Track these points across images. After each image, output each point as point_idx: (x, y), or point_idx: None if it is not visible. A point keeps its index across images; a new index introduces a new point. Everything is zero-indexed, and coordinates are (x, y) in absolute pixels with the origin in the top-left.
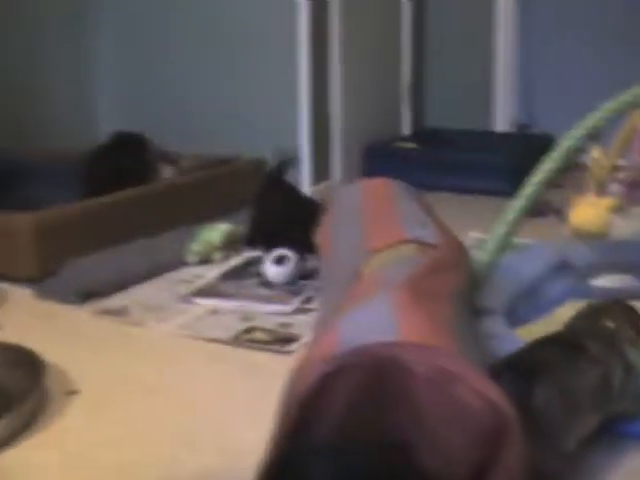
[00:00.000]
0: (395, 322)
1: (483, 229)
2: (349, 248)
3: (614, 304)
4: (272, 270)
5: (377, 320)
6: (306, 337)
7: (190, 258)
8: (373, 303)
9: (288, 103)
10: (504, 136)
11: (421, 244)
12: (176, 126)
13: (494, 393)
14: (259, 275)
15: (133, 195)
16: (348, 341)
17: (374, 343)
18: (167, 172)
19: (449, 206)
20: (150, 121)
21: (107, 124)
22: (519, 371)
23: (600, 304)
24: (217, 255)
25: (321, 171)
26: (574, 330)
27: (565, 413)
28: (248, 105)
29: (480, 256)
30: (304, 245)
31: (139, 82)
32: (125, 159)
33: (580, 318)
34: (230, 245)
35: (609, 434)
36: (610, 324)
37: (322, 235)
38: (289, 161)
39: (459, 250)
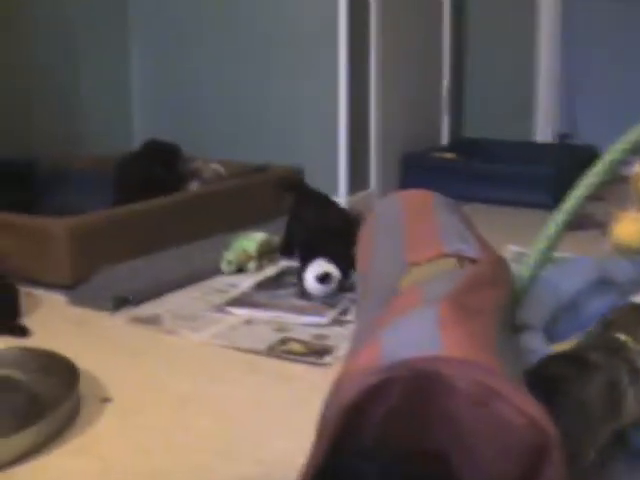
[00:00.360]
0: (437, 337)
1: (523, 243)
2: (387, 261)
3: (633, 310)
4: (314, 287)
5: (419, 335)
6: (342, 349)
7: (224, 267)
8: (414, 317)
9: (326, 111)
10: (545, 147)
11: (461, 258)
12: (209, 133)
13: (535, 409)
14: (295, 285)
15: (167, 202)
16: (389, 355)
17: (417, 357)
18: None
19: (488, 219)
20: (184, 128)
21: (142, 132)
22: (536, 387)
23: (615, 315)
24: (252, 264)
25: (358, 180)
26: (580, 345)
27: (582, 426)
28: (285, 113)
29: (520, 270)
30: (343, 257)
31: (175, 91)
32: (157, 168)
33: (592, 333)
34: (265, 254)
35: (627, 448)
36: (620, 335)
37: (360, 247)
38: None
39: (499, 264)
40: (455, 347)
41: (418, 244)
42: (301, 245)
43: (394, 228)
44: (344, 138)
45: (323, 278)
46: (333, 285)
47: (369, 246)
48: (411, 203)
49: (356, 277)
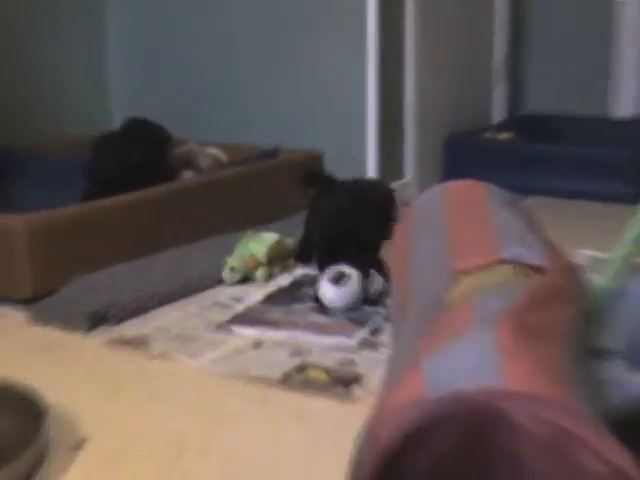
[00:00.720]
0: (496, 366)
1: (600, 246)
2: (430, 268)
3: None
4: (329, 292)
5: (473, 362)
6: (374, 379)
7: (227, 276)
8: (466, 340)
9: (350, 82)
10: (628, 124)
11: (522, 266)
12: (204, 112)
13: (620, 457)
14: (314, 299)
15: (156, 195)
16: (437, 385)
17: (471, 389)
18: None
19: (555, 215)
20: (172, 107)
21: (122, 111)
22: (623, 430)
23: None
24: (260, 272)
25: (390, 168)
26: None
27: None
28: (299, 86)
29: (597, 281)
30: (371, 261)
31: (159, 64)
32: (142, 152)
33: None
34: (277, 260)
35: None
36: None
37: (395, 250)
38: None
39: (571, 274)
40: (519, 378)
41: (468, 248)
42: (322, 248)
43: (438, 227)
44: (373, 116)
45: (338, 279)
46: (352, 287)
47: (407, 249)
48: (459, 197)
49: (387, 284)
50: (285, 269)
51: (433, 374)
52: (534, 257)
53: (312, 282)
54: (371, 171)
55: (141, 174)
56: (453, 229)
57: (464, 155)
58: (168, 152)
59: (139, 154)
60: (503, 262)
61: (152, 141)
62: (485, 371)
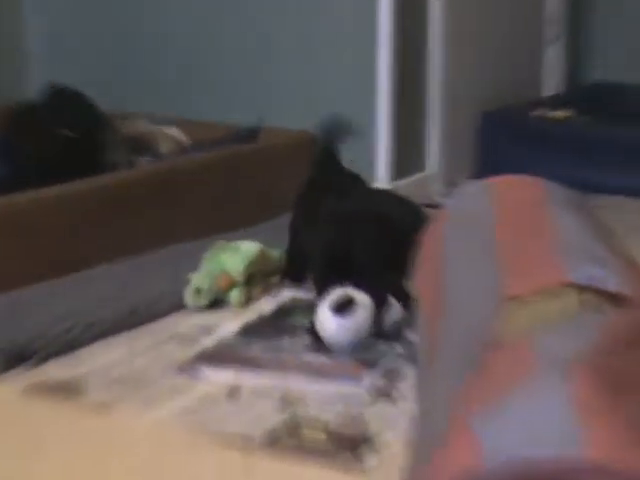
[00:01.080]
0: (576, 428)
1: None
2: (472, 291)
3: None
4: (331, 323)
5: (542, 421)
6: (391, 440)
7: (191, 299)
8: (531, 392)
9: (358, 48)
10: None
11: (594, 292)
12: (154, 78)
13: None
14: (309, 331)
15: (95, 187)
16: (496, 452)
17: (548, 460)
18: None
19: (631, 222)
20: (110, 72)
21: (44, 76)
22: None
23: None
24: (236, 295)
25: (408, 158)
26: None
27: None
28: (291, 51)
29: None
30: (387, 284)
31: (90, 23)
32: (73, 130)
33: None
34: (258, 278)
35: None
36: None
37: (422, 268)
38: (341, 131)
39: None
40: (608, 446)
41: (523, 266)
42: (318, 263)
43: (481, 238)
44: (386, 90)
45: (342, 306)
46: (360, 318)
47: (439, 266)
48: (508, 197)
49: (414, 315)
50: (268, 290)
51: (490, 437)
52: (610, 280)
53: (306, 309)
54: (382, 161)
55: (73, 158)
56: (502, 240)
57: (505, 140)
58: (108, 131)
59: (70, 130)
60: (569, 286)
61: (86, 116)
62: (561, 435)
